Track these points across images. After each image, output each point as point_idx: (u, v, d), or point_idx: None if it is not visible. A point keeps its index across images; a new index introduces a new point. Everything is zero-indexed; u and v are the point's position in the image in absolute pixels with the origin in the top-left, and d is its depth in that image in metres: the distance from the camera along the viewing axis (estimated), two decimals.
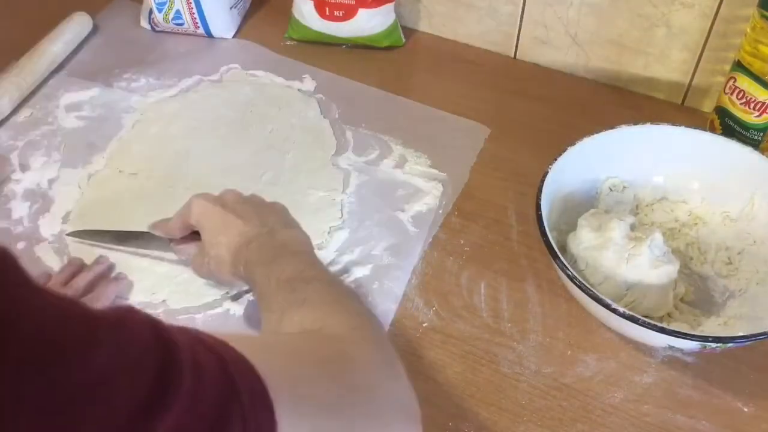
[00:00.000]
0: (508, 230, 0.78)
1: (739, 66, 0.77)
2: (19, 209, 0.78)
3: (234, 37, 1.03)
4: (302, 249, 0.61)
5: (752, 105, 0.77)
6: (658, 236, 0.67)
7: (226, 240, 0.61)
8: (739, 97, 0.78)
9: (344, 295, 0.56)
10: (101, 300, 0.68)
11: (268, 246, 0.60)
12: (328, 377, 0.44)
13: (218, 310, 0.69)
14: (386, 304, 0.70)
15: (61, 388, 0.27)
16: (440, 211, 0.79)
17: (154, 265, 0.73)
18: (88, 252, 0.74)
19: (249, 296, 0.70)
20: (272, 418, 0.36)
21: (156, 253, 0.72)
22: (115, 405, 0.29)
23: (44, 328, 0.27)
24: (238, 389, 0.35)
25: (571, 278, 0.61)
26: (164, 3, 0.97)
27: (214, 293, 0.70)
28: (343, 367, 0.45)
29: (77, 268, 0.71)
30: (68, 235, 0.75)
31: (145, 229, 0.70)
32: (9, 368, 0.25)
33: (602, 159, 0.75)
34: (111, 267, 0.72)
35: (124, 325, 0.31)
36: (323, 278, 0.57)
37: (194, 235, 0.67)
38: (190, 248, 0.68)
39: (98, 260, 0.72)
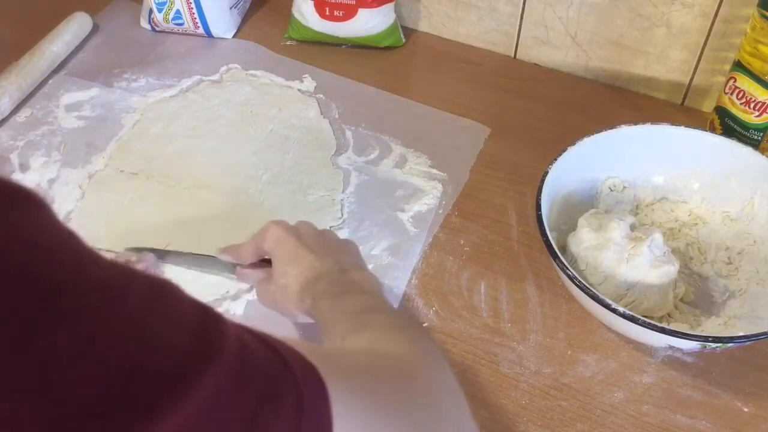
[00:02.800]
0: (508, 230, 0.78)
1: (739, 66, 0.77)
2: None
3: (234, 37, 1.03)
4: (373, 289, 0.60)
5: (752, 105, 0.77)
6: (658, 236, 0.67)
7: (296, 272, 0.60)
8: (739, 97, 0.78)
9: (412, 327, 0.54)
10: None
11: (338, 282, 0.59)
12: (386, 386, 0.42)
13: (218, 309, 0.69)
14: None
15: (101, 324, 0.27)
16: (440, 211, 0.79)
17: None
18: None
19: (249, 296, 0.70)
20: (325, 393, 0.34)
21: (216, 277, 0.71)
22: (156, 348, 0.28)
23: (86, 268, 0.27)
24: (288, 362, 0.34)
25: (571, 278, 0.61)
26: (164, 3, 0.97)
27: (213, 293, 0.70)
28: (403, 383, 0.44)
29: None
30: (127, 250, 0.72)
31: (188, 249, 0.69)
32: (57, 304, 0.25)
33: (602, 159, 0.75)
34: (154, 265, 0.71)
35: (163, 283, 0.31)
36: (390, 313, 0.56)
37: (261, 263, 0.65)
38: (256, 274, 0.66)
39: (141, 257, 0.71)
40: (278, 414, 0.32)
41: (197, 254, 0.70)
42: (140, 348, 0.27)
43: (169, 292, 0.31)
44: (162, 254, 0.72)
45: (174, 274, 0.71)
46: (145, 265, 0.70)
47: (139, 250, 0.72)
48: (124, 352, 0.27)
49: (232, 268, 0.67)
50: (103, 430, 0.26)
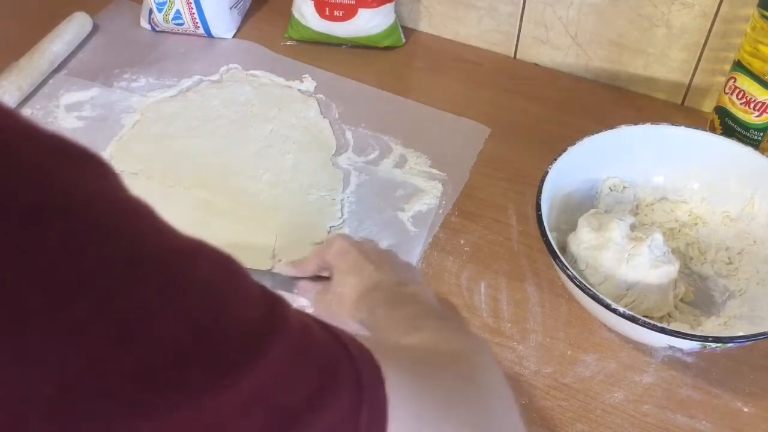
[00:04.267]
0: (508, 230, 0.78)
1: (739, 66, 0.77)
2: None
3: (234, 37, 1.03)
4: (428, 301, 0.60)
5: (752, 105, 0.77)
6: (658, 236, 0.67)
7: (355, 281, 0.61)
8: (739, 97, 0.78)
9: (467, 330, 0.54)
10: None
11: (396, 294, 0.59)
12: (442, 380, 0.42)
13: None
14: None
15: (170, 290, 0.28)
16: (440, 211, 0.79)
17: None
18: None
19: None
20: (381, 378, 0.35)
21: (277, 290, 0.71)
22: (229, 311, 0.29)
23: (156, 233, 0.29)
24: (347, 345, 0.34)
25: (571, 278, 0.61)
26: (164, 3, 0.97)
27: None
28: (458, 378, 0.44)
29: None
30: None
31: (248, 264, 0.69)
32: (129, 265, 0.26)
33: (602, 159, 0.75)
34: None
35: (231, 258, 0.32)
36: (445, 318, 0.55)
37: (321, 279, 0.65)
38: (316, 287, 0.66)
39: None
40: (339, 390, 0.33)
41: (254, 269, 0.69)
42: (218, 309, 0.29)
43: (235, 265, 0.32)
44: None
45: None
46: None
47: None
48: (203, 311, 0.28)
49: (290, 283, 0.67)
50: (184, 384, 0.27)
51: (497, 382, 0.48)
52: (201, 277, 0.29)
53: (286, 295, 0.68)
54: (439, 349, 0.47)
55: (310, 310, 0.69)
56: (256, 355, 0.29)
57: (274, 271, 0.68)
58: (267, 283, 0.68)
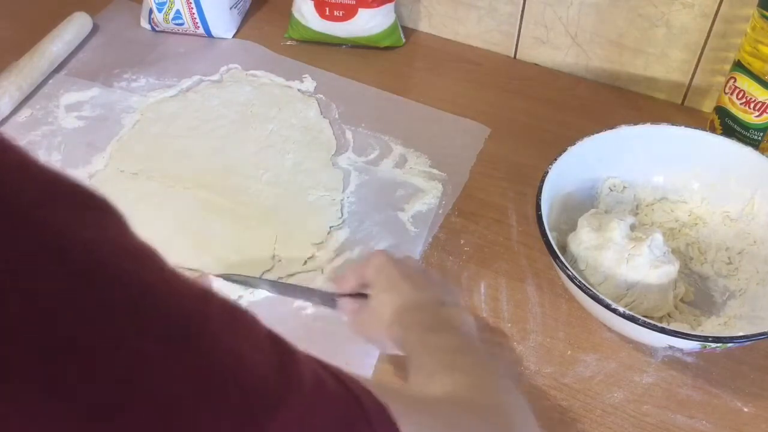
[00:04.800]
0: (508, 230, 0.78)
1: (739, 66, 0.77)
2: None
3: (234, 37, 1.03)
4: (466, 330, 0.59)
5: (752, 105, 0.77)
6: (658, 236, 0.67)
7: (392, 299, 0.59)
8: (739, 97, 0.78)
9: (502, 375, 0.53)
10: None
11: (433, 315, 0.58)
12: None
13: None
14: None
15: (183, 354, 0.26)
16: (440, 211, 0.79)
17: None
18: None
19: (250, 297, 0.70)
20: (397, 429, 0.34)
21: (223, 281, 0.70)
22: (238, 379, 0.28)
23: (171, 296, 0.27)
24: (360, 400, 0.33)
25: (571, 278, 0.61)
26: (164, 3, 0.97)
27: None
28: None
29: None
30: (217, 276, 0.70)
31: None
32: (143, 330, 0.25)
33: (602, 159, 0.75)
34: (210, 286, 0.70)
35: (238, 308, 0.30)
36: (483, 356, 0.54)
37: (360, 296, 0.64)
38: (354, 304, 0.64)
39: (200, 279, 0.69)
40: None
41: (294, 285, 0.69)
42: (230, 367, 0.27)
43: (244, 315, 0.31)
44: (256, 283, 0.70)
45: None
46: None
47: (233, 276, 0.70)
48: (214, 371, 0.27)
49: (330, 299, 0.66)
50: None
51: None
52: (211, 332, 0.28)
53: (326, 311, 0.67)
54: (471, 404, 0.45)
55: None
56: (270, 416, 0.28)
57: (309, 285, 0.67)
58: (309, 299, 0.68)
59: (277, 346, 0.31)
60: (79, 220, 0.25)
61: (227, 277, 0.70)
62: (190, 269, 0.71)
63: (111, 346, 0.24)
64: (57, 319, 0.23)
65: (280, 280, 0.70)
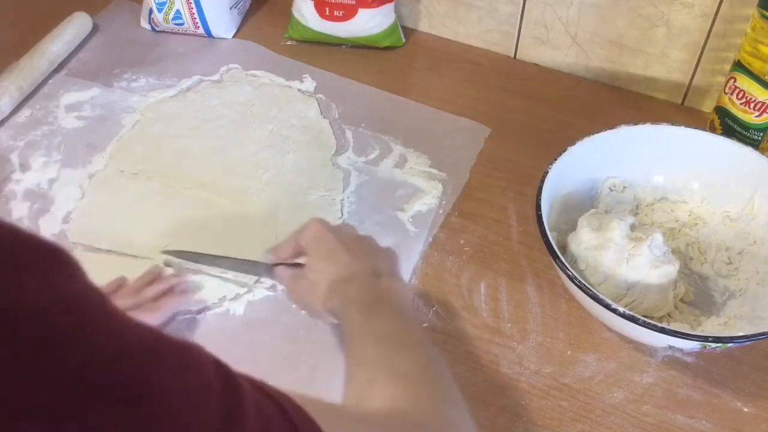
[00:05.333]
0: (508, 230, 0.78)
1: (739, 66, 0.77)
2: (20, 209, 0.78)
3: (234, 37, 1.03)
4: (404, 304, 0.59)
5: (752, 105, 0.77)
6: (658, 236, 0.67)
7: (329, 269, 0.59)
8: (739, 97, 0.78)
9: (441, 376, 0.53)
10: (160, 310, 0.66)
11: (370, 289, 0.57)
12: None
13: (218, 310, 0.70)
14: None
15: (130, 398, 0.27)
16: (440, 211, 0.79)
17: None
18: (93, 257, 0.74)
19: (249, 297, 0.70)
20: None
21: (250, 277, 0.71)
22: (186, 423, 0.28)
23: (114, 341, 0.27)
24: (297, 428, 0.34)
25: (571, 278, 0.61)
26: (164, 3, 0.97)
27: (213, 295, 0.70)
28: None
29: (154, 276, 0.70)
30: (163, 252, 0.72)
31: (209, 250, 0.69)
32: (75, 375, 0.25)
33: (602, 159, 0.75)
34: (185, 282, 0.70)
35: (189, 348, 0.31)
36: (421, 346, 0.54)
37: (298, 265, 0.64)
38: (292, 273, 0.64)
39: (177, 273, 0.70)
40: None
41: (233, 258, 0.69)
42: (172, 421, 0.28)
43: (193, 355, 0.31)
44: (197, 257, 0.71)
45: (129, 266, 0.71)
46: (177, 279, 0.70)
47: (176, 253, 0.71)
48: (156, 424, 0.27)
49: (269, 270, 0.66)
50: None
51: None
52: (157, 385, 0.28)
53: (269, 283, 0.68)
54: (414, 420, 0.45)
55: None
56: None
57: (257, 260, 0.67)
58: (248, 271, 0.69)
59: (225, 387, 0.31)
60: (20, 277, 0.25)
61: (174, 254, 0.71)
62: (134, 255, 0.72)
63: (65, 412, 0.24)
64: (11, 385, 0.23)
65: (223, 255, 0.70)
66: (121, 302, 0.65)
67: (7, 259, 0.25)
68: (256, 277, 0.70)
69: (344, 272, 0.59)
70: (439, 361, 0.54)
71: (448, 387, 0.52)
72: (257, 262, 0.67)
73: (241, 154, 0.85)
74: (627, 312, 0.59)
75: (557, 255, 0.63)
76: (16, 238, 0.25)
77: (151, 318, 0.65)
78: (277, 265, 0.65)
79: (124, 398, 0.26)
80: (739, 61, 0.77)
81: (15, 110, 0.89)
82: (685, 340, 0.59)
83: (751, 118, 0.78)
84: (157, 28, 1.02)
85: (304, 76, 0.96)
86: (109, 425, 0.25)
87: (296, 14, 0.99)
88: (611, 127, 0.74)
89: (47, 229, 0.76)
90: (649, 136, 0.75)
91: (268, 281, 0.70)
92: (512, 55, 1.00)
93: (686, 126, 0.75)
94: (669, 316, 0.68)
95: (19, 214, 0.78)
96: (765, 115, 0.77)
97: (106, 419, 0.25)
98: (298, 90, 0.94)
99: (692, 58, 0.89)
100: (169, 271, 0.71)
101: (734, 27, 0.83)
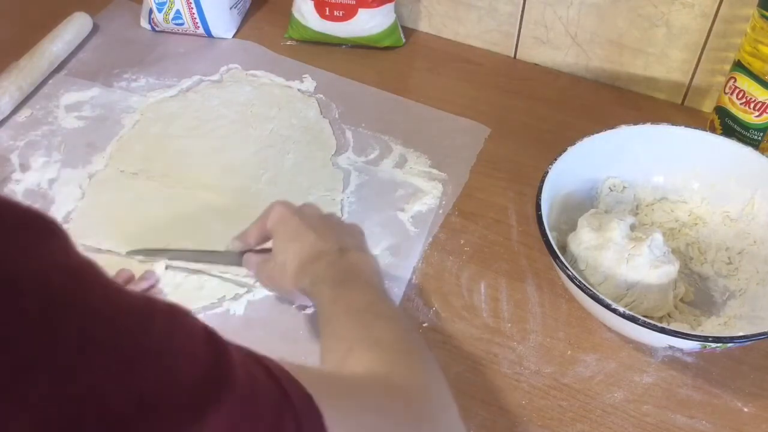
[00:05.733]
0: (508, 230, 0.78)
1: (739, 66, 0.77)
2: None
3: (234, 37, 1.03)
4: (373, 279, 0.59)
5: (752, 105, 0.77)
6: (658, 236, 0.67)
7: (296, 249, 0.60)
8: (739, 97, 0.78)
9: (415, 343, 0.54)
10: None
11: (339, 266, 0.58)
12: (388, 427, 0.43)
13: (218, 310, 0.70)
14: None
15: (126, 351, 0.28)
16: (440, 211, 0.79)
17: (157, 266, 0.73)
18: (93, 257, 0.74)
19: (248, 297, 0.70)
20: (323, 427, 0.36)
21: (222, 268, 0.71)
22: (177, 377, 0.30)
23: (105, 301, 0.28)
24: (287, 393, 0.35)
25: (571, 278, 0.61)
26: (164, 3, 0.97)
27: (213, 295, 0.70)
28: (406, 425, 0.44)
29: (125, 280, 0.70)
30: (128, 253, 0.72)
31: (181, 244, 0.69)
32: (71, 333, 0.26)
33: (602, 159, 0.75)
34: (156, 282, 0.70)
35: (177, 312, 0.32)
36: (395, 316, 0.55)
37: (266, 250, 0.65)
38: (259, 258, 0.65)
39: (145, 275, 0.70)
40: None
41: (201, 250, 0.70)
42: (164, 380, 0.29)
43: (184, 321, 0.32)
44: (166, 253, 0.71)
45: (179, 279, 0.71)
46: (148, 283, 0.70)
47: (145, 252, 0.72)
48: (149, 383, 0.28)
49: (238, 259, 0.67)
50: None
51: (452, 425, 0.47)
52: (151, 347, 0.29)
53: (239, 271, 0.68)
54: (391, 385, 0.46)
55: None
56: (203, 416, 0.30)
57: (227, 249, 0.67)
58: (218, 262, 0.69)
59: (212, 344, 0.33)
60: (17, 243, 0.26)
61: (141, 253, 0.72)
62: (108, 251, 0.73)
63: (68, 369, 0.26)
64: (18, 344, 0.24)
65: (186, 248, 0.71)
66: None
67: (9, 229, 0.26)
68: (256, 278, 0.70)
69: (312, 251, 0.59)
70: (413, 331, 0.55)
71: (423, 354, 0.52)
72: (225, 251, 0.67)
73: (241, 154, 0.85)
74: (627, 312, 0.59)
75: (557, 255, 0.63)
76: (14, 210, 0.27)
77: None
78: (245, 252, 0.65)
79: (118, 361, 0.27)
80: (739, 61, 0.77)
81: (15, 110, 0.89)
82: (685, 340, 0.59)
83: (751, 118, 0.78)
84: (157, 28, 1.02)
85: (304, 76, 0.96)
86: (102, 384, 0.27)
87: (296, 14, 0.99)
88: (611, 127, 0.74)
89: None
90: (649, 136, 0.75)
91: None
92: (512, 55, 1.00)
93: (686, 126, 0.75)
94: (669, 316, 0.68)
95: None
96: (765, 115, 0.77)
97: (99, 378, 0.27)
98: (298, 90, 0.94)
99: (692, 58, 0.89)
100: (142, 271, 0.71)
101: (734, 27, 0.83)
